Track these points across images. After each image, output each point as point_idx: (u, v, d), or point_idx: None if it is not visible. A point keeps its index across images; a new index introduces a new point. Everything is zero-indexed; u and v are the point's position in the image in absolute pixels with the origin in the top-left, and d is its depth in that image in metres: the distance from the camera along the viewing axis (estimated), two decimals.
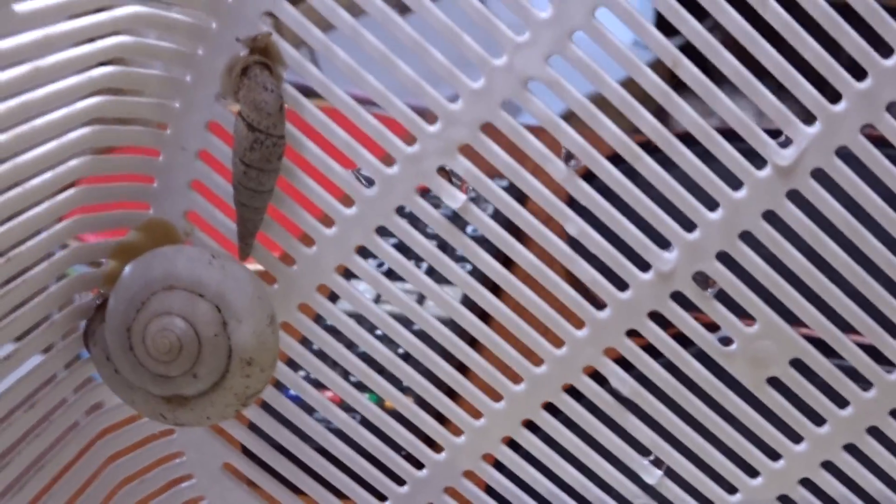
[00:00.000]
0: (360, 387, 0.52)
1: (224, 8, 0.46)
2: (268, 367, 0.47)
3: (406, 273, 0.49)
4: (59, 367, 0.49)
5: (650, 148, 0.46)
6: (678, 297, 0.49)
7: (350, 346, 0.51)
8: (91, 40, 0.44)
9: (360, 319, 0.51)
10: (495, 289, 0.49)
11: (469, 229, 0.49)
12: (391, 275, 0.50)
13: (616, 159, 0.47)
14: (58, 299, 0.48)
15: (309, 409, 0.53)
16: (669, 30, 0.46)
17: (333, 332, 0.51)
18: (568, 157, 0.47)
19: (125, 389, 0.48)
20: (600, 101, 0.46)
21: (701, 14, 0.45)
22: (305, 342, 0.51)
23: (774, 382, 0.50)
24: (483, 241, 0.49)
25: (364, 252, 0.49)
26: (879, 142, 0.46)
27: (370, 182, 0.48)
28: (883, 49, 0.44)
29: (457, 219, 0.48)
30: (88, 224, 0.48)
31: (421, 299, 0.54)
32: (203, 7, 0.46)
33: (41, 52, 0.41)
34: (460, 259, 0.49)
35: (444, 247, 0.49)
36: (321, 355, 0.51)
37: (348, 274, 0.50)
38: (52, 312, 0.48)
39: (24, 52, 0.40)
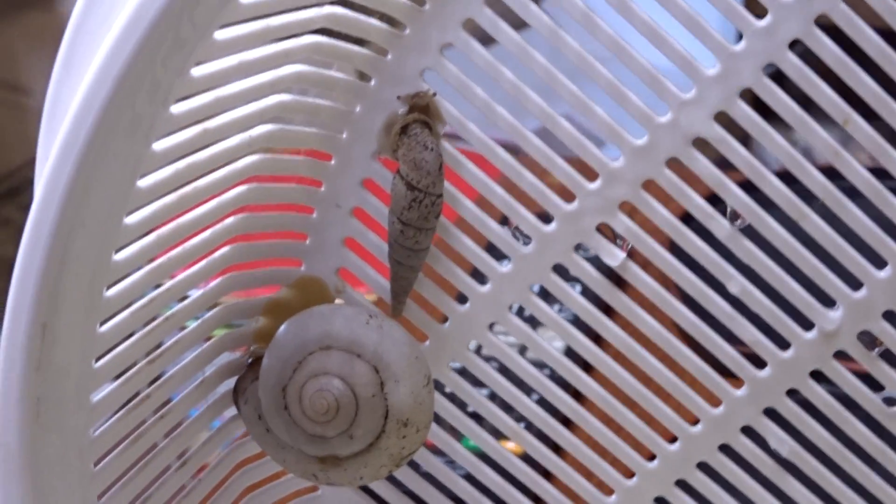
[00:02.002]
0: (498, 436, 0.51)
1: (383, 65, 0.45)
2: (423, 428, 0.46)
3: (563, 333, 0.48)
4: (207, 426, 0.49)
5: (817, 206, 0.45)
6: (841, 356, 0.48)
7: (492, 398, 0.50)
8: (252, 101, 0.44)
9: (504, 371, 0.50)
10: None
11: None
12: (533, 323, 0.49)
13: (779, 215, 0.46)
14: (208, 357, 0.47)
15: (451, 464, 0.52)
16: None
17: (479, 384, 0.50)
18: (734, 216, 0.45)
19: (276, 449, 0.47)
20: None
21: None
22: (453, 398, 0.50)
23: None
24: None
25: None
26: None
27: (528, 239, 0.47)
28: None
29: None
30: (241, 281, 0.48)
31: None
32: (363, 65, 0.45)
33: (209, 114, 0.41)
34: None
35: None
36: (463, 406, 0.51)
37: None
38: (202, 371, 0.48)
39: (195, 115, 0.40)
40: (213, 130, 0.41)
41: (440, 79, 0.45)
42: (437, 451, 0.51)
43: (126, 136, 0.36)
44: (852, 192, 0.45)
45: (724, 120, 0.45)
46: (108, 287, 0.40)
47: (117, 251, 0.39)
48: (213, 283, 0.46)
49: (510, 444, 0.51)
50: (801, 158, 0.45)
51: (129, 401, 0.43)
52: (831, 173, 0.45)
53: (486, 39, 0.45)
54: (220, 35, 0.37)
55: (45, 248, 0.35)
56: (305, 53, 0.44)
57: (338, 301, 0.49)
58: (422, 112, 0.45)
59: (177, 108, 0.38)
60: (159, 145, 0.38)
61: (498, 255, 0.48)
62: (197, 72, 0.38)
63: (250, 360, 0.48)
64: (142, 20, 0.33)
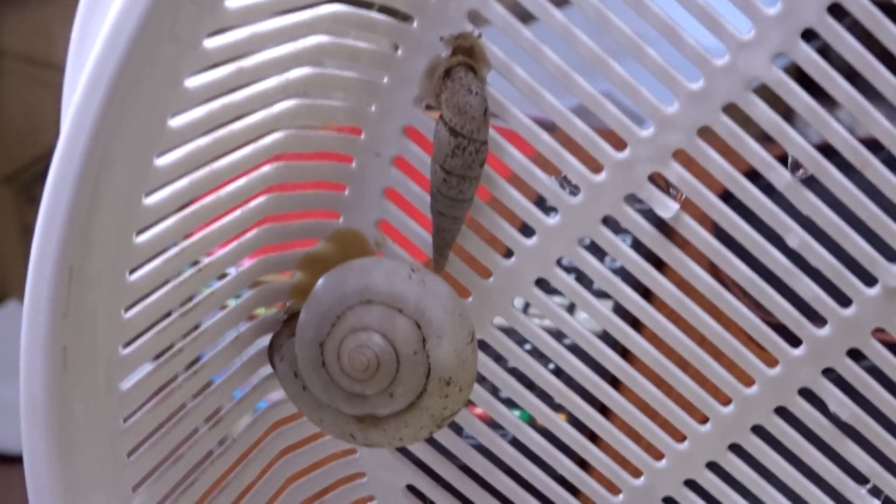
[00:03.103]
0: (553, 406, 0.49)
1: (426, 6, 0.43)
2: (466, 388, 0.44)
3: (613, 289, 0.46)
4: (242, 383, 0.47)
5: (881, 154, 0.43)
6: None
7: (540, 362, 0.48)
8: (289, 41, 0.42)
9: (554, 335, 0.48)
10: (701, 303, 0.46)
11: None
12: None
13: (842, 164, 0.43)
14: (243, 312, 0.46)
15: (498, 428, 0.50)
16: None
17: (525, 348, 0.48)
18: (795, 166, 0.43)
19: (313, 408, 0.45)
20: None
21: None
22: (499, 359, 0.48)
23: None
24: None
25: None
26: None
27: (576, 190, 0.45)
28: None
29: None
30: (277, 234, 0.46)
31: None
32: (405, 6, 0.43)
33: (245, 51, 0.39)
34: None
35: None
36: (513, 372, 0.49)
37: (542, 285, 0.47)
38: (238, 326, 0.46)
39: (229, 51, 0.38)
40: (249, 70, 0.39)
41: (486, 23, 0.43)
42: (481, 417, 0.50)
43: (156, 71, 0.34)
44: None
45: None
46: (139, 233, 0.38)
47: (148, 195, 0.37)
48: (248, 235, 0.45)
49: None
50: (867, 105, 0.42)
51: (160, 354, 0.42)
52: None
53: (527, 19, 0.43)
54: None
55: (73, 185, 0.33)
56: None
57: (378, 255, 0.47)
58: (466, 55, 0.43)
59: (210, 43, 0.36)
60: (192, 82, 0.36)
61: (544, 206, 0.46)
62: (232, 3, 0.36)
63: (286, 316, 0.46)
64: None
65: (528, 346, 0.48)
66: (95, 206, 0.34)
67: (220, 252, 0.43)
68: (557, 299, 0.48)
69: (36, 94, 1.62)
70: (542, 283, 0.47)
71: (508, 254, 0.46)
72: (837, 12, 0.41)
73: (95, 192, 0.34)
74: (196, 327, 0.43)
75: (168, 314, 0.41)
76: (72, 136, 0.33)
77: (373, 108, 0.45)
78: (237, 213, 0.43)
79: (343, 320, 0.43)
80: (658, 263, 0.46)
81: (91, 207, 0.34)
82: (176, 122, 0.37)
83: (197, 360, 0.44)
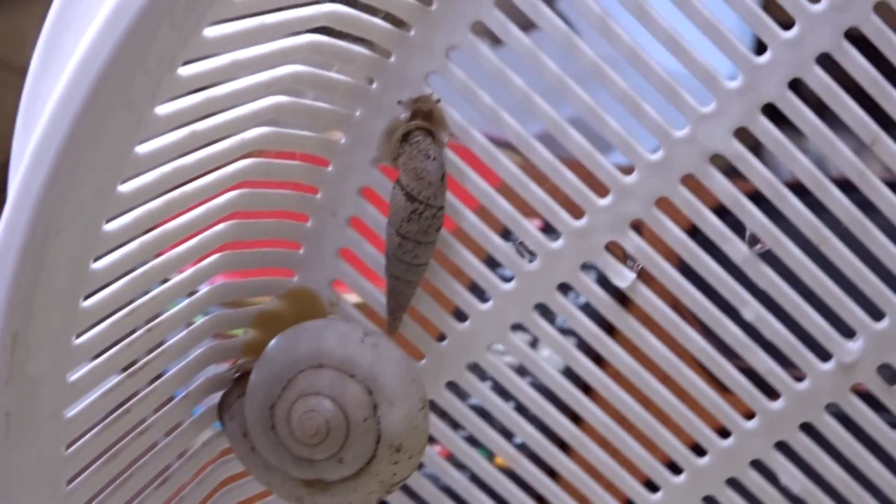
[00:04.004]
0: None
1: (386, 67, 0.43)
2: (417, 454, 0.44)
3: (567, 357, 0.46)
4: (191, 441, 0.46)
5: (840, 231, 0.43)
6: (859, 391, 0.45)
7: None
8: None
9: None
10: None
11: None
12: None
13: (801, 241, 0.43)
14: (193, 370, 0.45)
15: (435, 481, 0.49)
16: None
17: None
18: (753, 240, 0.43)
19: (262, 469, 0.45)
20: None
21: None
22: (445, 416, 0.48)
23: None
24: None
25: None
26: None
27: (532, 256, 0.45)
28: None
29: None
30: (230, 291, 0.45)
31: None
32: (365, 67, 0.43)
33: (199, 115, 0.38)
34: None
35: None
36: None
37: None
38: (188, 383, 0.45)
39: (183, 116, 0.37)
40: (203, 132, 0.39)
41: (445, 84, 0.43)
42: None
43: (107, 137, 0.33)
44: (876, 216, 0.43)
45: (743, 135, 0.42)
46: (86, 297, 0.37)
47: (96, 259, 0.37)
48: (200, 293, 0.44)
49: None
50: (823, 178, 0.42)
51: (106, 416, 0.41)
52: (856, 198, 0.43)
53: (495, 42, 0.42)
54: (211, 32, 0.35)
55: (18, 253, 0.33)
56: (304, 53, 0.41)
57: (331, 316, 0.46)
58: (425, 118, 0.43)
59: (163, 109, 0.36)
60: (144, 148, 0.36)
61: (501, 271, 0.45)
62: (186, 71, 0.35)
63: (237, 375, 0.45)
64: (122, 19, 0.31)
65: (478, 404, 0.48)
66: (39, 273, 0.34)
67: (172, 311, 0.43)
68: (508, 358, 0.47)
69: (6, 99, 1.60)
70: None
71: (463, 317, 0.46)
72: (798, 88, 0.41)
73: (40, 260, 0.33)
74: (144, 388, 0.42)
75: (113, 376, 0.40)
76: (18, 204, 0.32)
77: (330, 168, 0.44)
78: (189, 271, 0.43)
79: (294, 384, 0.42)
80: (611, 329, 0.46)
81: (35, 274, 0.33)
82: (127, 186, 0.36)
83: (145, 420, 0.43)
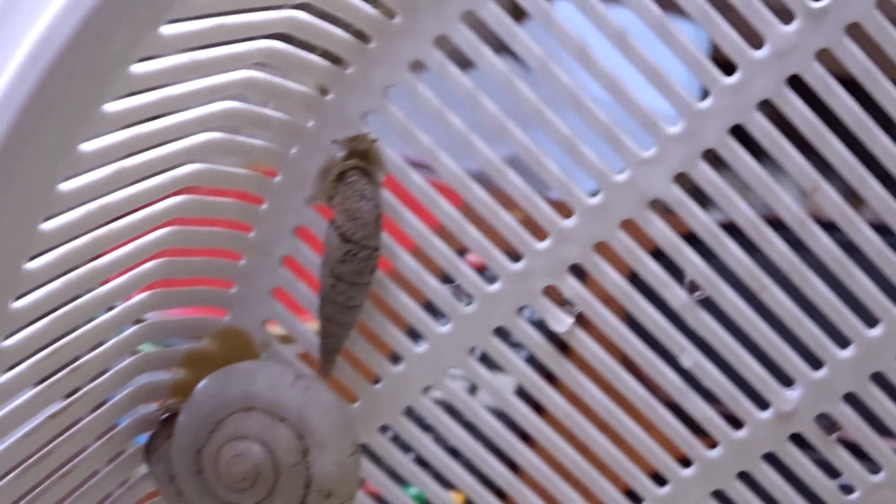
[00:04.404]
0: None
1: (323, 106, 0.42)
2: (347, 500, 0.43)
3: (504, 403, 0.45)
4: (115, 485, 0.45)
5: (778, 277, 0.42)
6: (797, 440, 0.45)
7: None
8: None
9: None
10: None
11: None
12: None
13: (740, 288, 0.43)
14: (121, 409, 0.44)
15: None
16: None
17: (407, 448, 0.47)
18: (692, 287, 0.43)
19: None
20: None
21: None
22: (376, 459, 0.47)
23: None
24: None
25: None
26: None
27: (469, 299, 0.44)
28: None
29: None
30: (159, 330, 0.44)
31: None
32: (301, 104, 0.42)
33: (127, 152, 0.37)
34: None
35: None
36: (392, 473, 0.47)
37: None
38: (114, 423, 0.44)
39: (111, 153, 0.36)
40: (131, 169, 0.38)
41: (380, 122, 0.42)
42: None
43: (31, 170, 0.32)
44: (817, 265, 0.42)
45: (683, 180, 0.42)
46: (7, 336, 0.36)
47: (17, 298, 0.35)
48: (128, 331, 0.43)
49: None
50: (764, 227, 0.42)
51: (30, 455, 0.40)
52: (796, 243, 0.42)
53: (433, 81, 0.42)
54: (139, 69, 0.34)
55: None
56: (237, 89, 0.40)
57: (264, 357, 0.45)
58: (361, 158, 0.42)
59: (89, 146, 0.34)
60: (68, 185, 0.34)
61: (437, 313, 0.45)
62: (112, 107, 0.34)
63: (165, 416, 0.44)
64: (47, 52, 0.30)
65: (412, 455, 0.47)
66: None
67: (100, 350, 0.42)
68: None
69: None
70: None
71: (398, 359, 0.45)
72: (739, 133, 0.41)
73: None
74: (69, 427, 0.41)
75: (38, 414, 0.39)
76: None
77: (264, 206, 0.43)
78: (119, 309, 0.42)
79: (223, 427, 0.41)
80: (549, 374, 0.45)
81: None
82: (49, 225, 0.35)
83: (71, 459, 0.42)
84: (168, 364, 0.45)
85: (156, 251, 0.42)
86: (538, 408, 0.45)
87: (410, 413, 0.46)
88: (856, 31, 0.39)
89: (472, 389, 0.46)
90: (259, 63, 0.41)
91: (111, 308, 0.41)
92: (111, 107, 0.34)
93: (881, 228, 0.42)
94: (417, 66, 0.41)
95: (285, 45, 0.40)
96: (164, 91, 0.37)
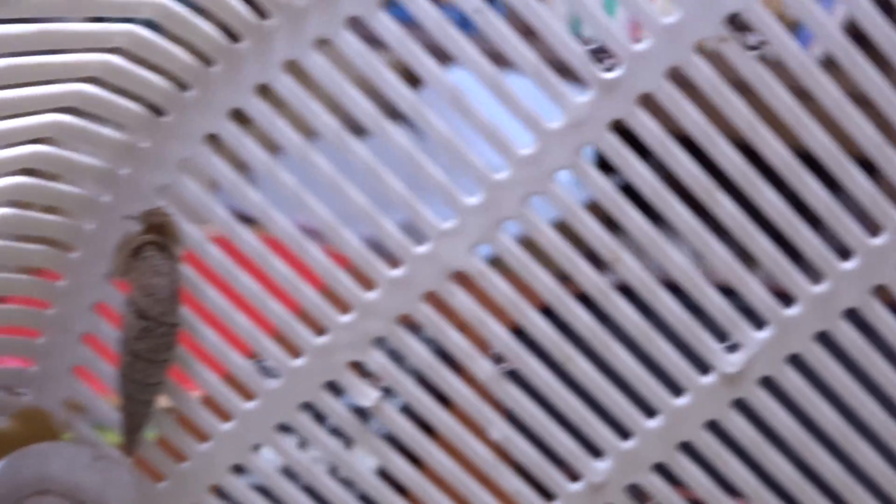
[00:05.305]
0: None
1: (118, 180, 0.41)
2: None
3: (311, 478, 0.44)
4: None
5: (583, 348, 0.42)
6: None
7: None
8: None
9: None
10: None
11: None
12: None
13: (546, 360, 0.43)
14: None
15: None
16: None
17: None
18: (497, 358, 0.42)
19: None
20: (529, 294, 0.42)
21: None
22: None
23: None
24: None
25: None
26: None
27: (274, 374, 0.43)
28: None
29: None
30: None
31: None
32: (95, 178, 0.41)
33: None
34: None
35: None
36: None
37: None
38: None
39: None
40: None
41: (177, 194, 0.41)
42: None
43: None
44: (620, 335, 0.42)
45: None
46: None
47: None
48: None
49: None
50: (571, 302, 0.42)
51: None
52: (601, 315, 0.42)
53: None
54: None
55: None
56: (28, 163, 0.39)
57: (66, 436, 0.44)
58: (158, 232, 0.41)
59: None
60: None
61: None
62: None
63: None
64: None
65: None
66: None
67: None
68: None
69: None
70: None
71: (205, 437, 0.44)
72: (535, 205, 0.41)
73: None
74: None
75: None
76: None
77: (63, 282, 0.42)
78: None
79: None
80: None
81: None
82: None
83: None
84: None
85: None
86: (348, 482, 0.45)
87: (219, 492, 0.45)
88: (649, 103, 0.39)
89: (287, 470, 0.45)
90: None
91: None
92: None
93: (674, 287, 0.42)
94: (212, 139, 0.41)
95: (74, 118, 0.39)
96: None
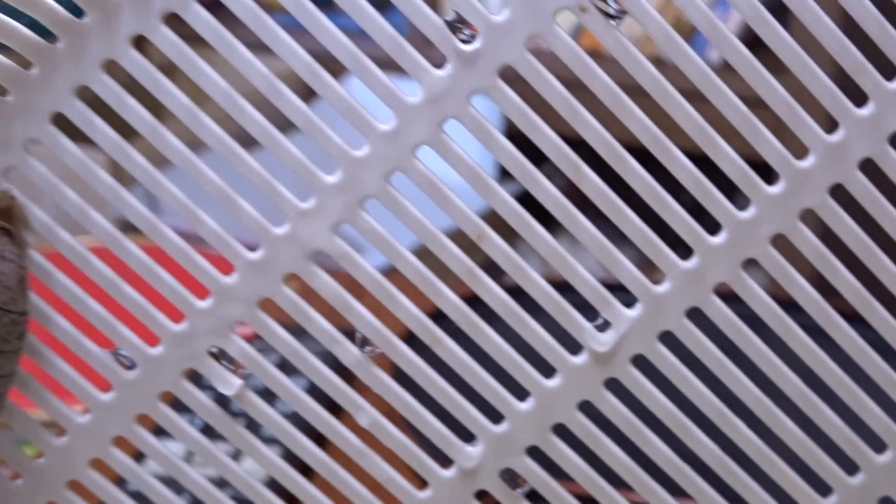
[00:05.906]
0: None
1: None
2: None
3: (180, 476, 0.43)
4: None
5: (452, 329, 0.41)
6: (483, 496, 0.43)
7: None
8: None
9: None
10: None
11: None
12: None
13: (414, 342, 0.41)
14: None
15: None
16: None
17: None
18: (363, 342, 0.41)
19: None
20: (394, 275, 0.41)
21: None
22: None
23: None
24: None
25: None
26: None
27: (131, 364, 0.42)
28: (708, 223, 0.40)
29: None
30: None
31: None
32: None
33: None
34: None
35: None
36: None
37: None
38: None
39: None
40: None
41: (24, 178, 0.39)
42: None
43: None
44: (492, 318, 0.41)
45: None
46: None
47: None
48: None
49: None
50: (433, 278, 0.40)
51: None
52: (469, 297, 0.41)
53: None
54: None
55: None
56: None
57: None
58: (2, 216, 0.39)
59: None
60: None
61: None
62: None
63: None
64: None
65: None
66: None
67: None
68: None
69: None
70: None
71: (62, 431, 0.42)
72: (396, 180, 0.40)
73: None
74: None
75: None
76: None
77: None
78: None
79: None
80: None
81: None
82: None
83: None
84: None
85: None
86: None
87: (77, 487, 0.43)
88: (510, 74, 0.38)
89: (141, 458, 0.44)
90: None
91: None
92: None
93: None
94: (59, 119, 0.39)
95: None
96: None
